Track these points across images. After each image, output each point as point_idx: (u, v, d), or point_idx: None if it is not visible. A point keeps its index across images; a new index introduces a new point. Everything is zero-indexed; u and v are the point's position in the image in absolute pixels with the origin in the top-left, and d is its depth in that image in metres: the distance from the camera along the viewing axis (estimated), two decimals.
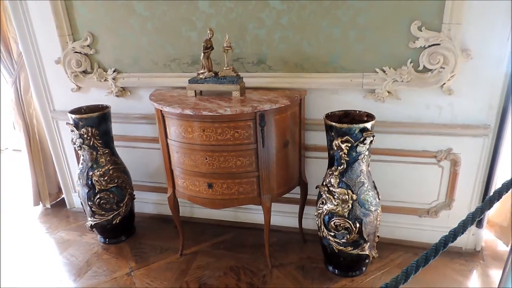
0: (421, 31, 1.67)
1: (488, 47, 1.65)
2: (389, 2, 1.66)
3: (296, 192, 2.01)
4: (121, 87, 2.17)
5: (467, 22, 1.63)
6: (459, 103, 1.77)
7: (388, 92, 1.80)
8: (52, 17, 2.09)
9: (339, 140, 1.57)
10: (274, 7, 1.79)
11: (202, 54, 1.76)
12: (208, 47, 1.75)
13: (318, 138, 1.95)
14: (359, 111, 1.73)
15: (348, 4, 1.71)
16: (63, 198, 2.76)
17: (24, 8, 2.16)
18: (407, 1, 1.65)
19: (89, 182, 2.09)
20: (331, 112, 1.72)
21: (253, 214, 2.29)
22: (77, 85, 2.25)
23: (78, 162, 2.28)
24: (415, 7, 1.65)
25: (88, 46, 2.12)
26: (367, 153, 1.62)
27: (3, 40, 2.32)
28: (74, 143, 2.07)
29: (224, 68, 1.75)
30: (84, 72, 2.21)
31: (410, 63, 1.73)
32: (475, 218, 0.88)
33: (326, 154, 1.75)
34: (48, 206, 2.75)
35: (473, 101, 1.75)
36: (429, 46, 1.68)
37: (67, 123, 2.02)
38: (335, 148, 1.60)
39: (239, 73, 1.78)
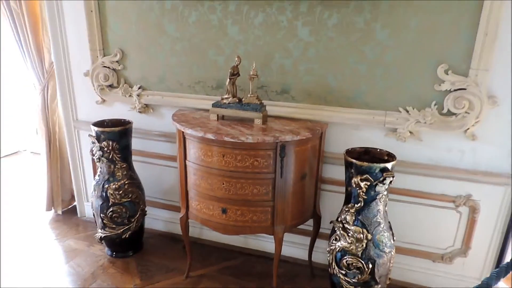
0: (447, 74, 1.67)
1: None
2: (417, 42, 1.67)
3: (308, 224, 1.99)
4: (145, 104, 2.21)
5: (495, 69, 1.62)
6: (482, 149, 1.74)
7: (410, 132, 1.79)
8: (86, 31, 2.16)
9: (359, 178, 1.55)
10: (302, 38, 1.82)
11: (228, 79, 1.78)
12: (235, 74, 1.78)
13: (336, 171, 1.94)
14: (380, 149, 1.72)
15: (376, 41, 1.72)
16: (75, 206, 2.78)
17: (61, 20, 2.24)
18: (435, 43, 1.65)
19: (104, 194, 2.10)
20: (352, 148, 1.72)
21: (264, 242, 2.26)
22: (102, 98, 2.30)
23: (94, 173, 2.31)
24: (443, 50, 1.66)
25: (117, 61, 2.18)
26: (385, 193, 1.60)
27: (37, 50, 2.40)
28: (93, 155, 2.10)
29: (249, 95, 1.77)
30: (111, 86, 2.26)
31: (435, 105, 1.72)
32: (500, 277, 0.86)
33: (342, 189, 1.74)
34: (60, 212, 2.77)
35: (496, 149, 1.72)
36: (455, 90, 1.68)
37: (90, 135, 2.06)
38: (354, 185, 1.58)
39: (262, 101, 1.80)
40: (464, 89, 1.66)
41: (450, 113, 1.72)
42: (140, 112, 2.23)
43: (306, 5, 1.76)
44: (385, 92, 1.78)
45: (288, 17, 1.80)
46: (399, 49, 1.71)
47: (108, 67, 2.21)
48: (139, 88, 2.18)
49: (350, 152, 1.69)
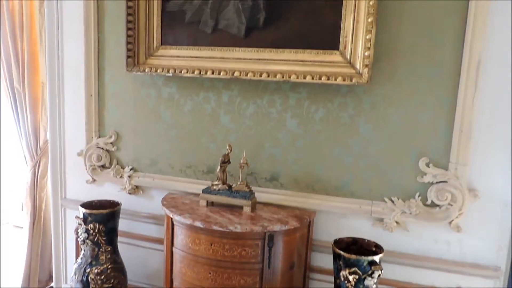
0: (428, 167, 1.75)
1: (495, 188, 1.70)
2: (398, 136, 1.78)
3: None
4: (135, 185, 2.23)
5: (474, 163, 1.71)
6: (468, 241, 1.76)
7: (397, 222, 1.81)
8: (84, 113, 2.25)
9: (347, 270, 1.54)
10: (291, 130, 1.92)
11: (219, 167, 1.84)
12: (226, 161, 1.84)
13: (325, 260, 1.91)
14: (367, 240, 1.73)
15: (360, 134, 1.83)
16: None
17: (61, 102, 2.33)
18: (415, 137, 1.76)
19: (85, 279, 2.02)
20: (339, 238, 1.72)
21: None
22: (93, 178, 2.32)
23: (77, 255, 2.24)
24: (423, 144, 1.76)
25: (111, 143, 2.24)
26: (374, 287, 1.57)
27: (33, 128, 2.47)
28: (78, 236, 2.05)
29: (238, 183, 1.81)
30: (102, 166, 2.29)
31: (419, 196, 1.78)
32: None
33: (331, 278, 1.71)
34: None
35: (482, 241, 1.75)
36: (437, 182, 1.75)
37: (76, 217, 2.04)
38: (342, 279, 1.57)
39: (251, 188, 1.84)
40: (446, 181, 1.73)
41: (434, 205, 1.77)
42: (130, 193, 2.24)
43: (294, 99, 1.89)
44: (370, 182, 1.84)
45: (277, 110, 1.92)
46: (382, 142, 1.80)
47: (102, 148, 2.26)
48: (130, 170, 2.22)
49: (338, 243, 1.70)
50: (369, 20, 1.62)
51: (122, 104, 2.19)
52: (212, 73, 1.86)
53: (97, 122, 2.26)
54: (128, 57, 1.99)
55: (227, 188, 1.83)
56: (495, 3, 1.57)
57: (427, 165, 1.75)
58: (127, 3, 1.93)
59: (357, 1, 1.66)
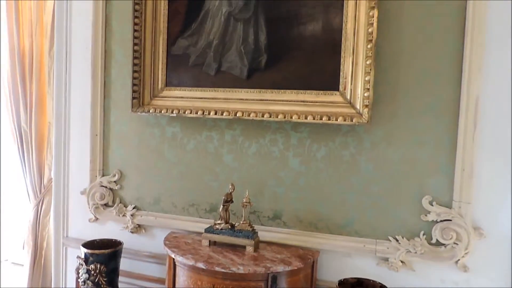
0: (432, 205, 1.74)
1: (501, 226, 1.69)
2: (400, 175, 1.78)
3: None
4: (137, 224, 2.22)
5: (477, 201, 1.70)
6: (475, 281, 1.72)
7: (402, 262, 1.79)
8: (89, 152, 2.28)
9: None
10: (293, 168, 1.93)
11: (222, 206, 1.84)
12: (228, 201, 1.84)
13: None
14: (373, 280, 1.69)
15: (361, 173, 1.84)
16: None
17: (66, 142, 2.37)
18: (417, 176, 1.77)
19: None
20: (344, 279, 1.69)
21: None
22: (95, 217, 2.31)
23: None
24: (425, 182, 1.76)
25: (114, 181, 2.26)
26: None
27: (38, 166, 2.50)
28: (79, 276, 2.03)
29: (241, 222, 1.81)
30: (105, 205, 2.29)
31: (423, 235, 1.76)
32: None
33: None
34: None
35: (490, 281, 1.71)
36: (441, 221, 1.73)
37: (78, 257, 2.02)
38: None
39: (254, 227, 1.83)
40: (450, 220, 1.72)
41: (439, 243, 1.74)
42: (132, 232, 2.23)
43: (296, 138, 1.91)
44: (374, 221, 1.83)
45: (280, 148, 1.94)
46: (384, 180, 1.81)
47: (105, 187, 2.27)
48: (133, 208, 2.22)
49: (343, 283, 1.67)
50: (368, 62, 1.68)
51: (126, 143, 2.23)
52: (215, 113, 1.91)
53: (101, 161, 2.29)
54: (133, 98, 2.04)
55: (229, 227, 1.82)
56: (490, 40, 1.63)
57: (431, 203, 1.75)
58: (133, 47, 2.01)
59: (355, 44, 1.72)
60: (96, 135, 2.26)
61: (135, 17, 1.99)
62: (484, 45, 1.63)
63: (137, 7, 1.99)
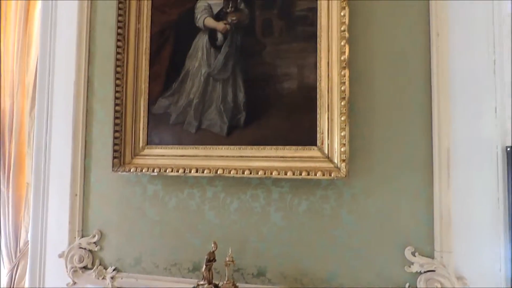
0: (415, 256, 1.75)
1: (483, 274, 1.70)
2: (381, 226, 1.80)
3: None
4: (118, 287, 2.14)
5: (458, 250, 1.72)
6: None
7: None
8: (68, 213, 2.23)
9: None
10: (275, 223, 1.93)
11: (204, 265, 1.80)
12: (211, 260, 1.80)
13: None
14: None
15: (343, 225, 1.85)
16: None
17: (45, 202, 2.32)
18: (398, 227, 1.79)
19: None
20: None
21: None
22: (73, 281, 2.22)
23: None
24: (407, 233, 1.78)
25: (94, 242, 2.19)
26: None
27: (14, 228, 2.42)
28: None
29: (225, 282, 1.77)
30: (84, 267, 2.21)
31: (409, 286, 1.75)
32: None
33: None
34: None
35: None
36: (425, 271, 1.74)
37: None
38: None
39: (238, 286, 1.79)
40: (434, 270, 1.72)
41: None
42: None
43: (277, 193, 1.93)
44: (358, 273, 1.82)
45: (261, 204, 1.95)
46: (365, 232, 1.82)
47: (85, 248, 2.20)
48: (113, 270, 2.14)
49: None
50: (342, 118, 1.75)
51: (106, 202, 2.20)
52: (196, 171, 1.92)
53: (80, 221, 2.24)
54: (114, 157, 2.05)
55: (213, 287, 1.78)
56: (455, 95, 1.73)
57: (413, 254, 1.76)
58: (115, 107, 2.04)
59: (330, 101, 1.80)
60: (76, 195, 2.23)
61: (117, 78, 2.04)
62: (449, 100, 1.73)
63: (118, 69, 2.05)
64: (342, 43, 1.75)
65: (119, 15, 2.05)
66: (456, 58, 1.74)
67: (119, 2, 2.05)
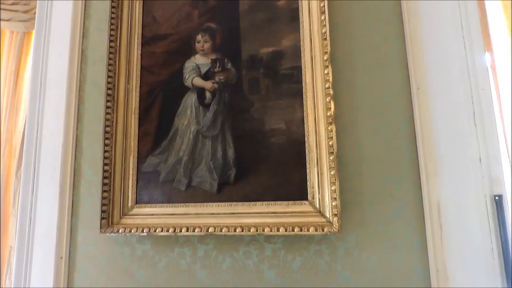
0: None
1: None
2: (377, 281, 1.76)
3: None
4: None
5: None
6: None
7: None
8: (52, 277, 2.13)
9: None
10: (269, 281, 1.87)
11: None
12: None
13: None
14: None
15: (339, 280, 1.80)
16: None
17: (28, 265, 2.22)
18: (394, 280, 1.75)
19: None
20: None
21: None
22: None
23: None
24: (403, 287, 1.74)
25: None
26: None
27: None
28: None
29: None
30: None
31: None
32: None
33: None
34: None
35: None
36: None
37: None
38: None
39: None
40: None
41: None
42: None
43: (270, 250, 1.89)
44: None
45: (254, 261, 1.90)
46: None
47: None
48: None
49: None
50: (332, 173, 1.76)
51: (94, 265, 2.12)
52: (187, 230, 1.88)
53: (66, 285, 2.14)
54: (102, 218, 2.00)
55: None
56: (439, 145, 1.77)
57: None
58: (103, 167, 2.02)
59: (318, 156, 1.82)
60: (61, 257, 2.15)
61: (106, 138, 2.04)
62: (434, 152, 1.77)
63: (108, 128, 2.06)
64: (327, 99, 1.80)
65: (109, 76, 2.08)
66: (437, 111, 1.80)
67: (109, 64, 2.09)
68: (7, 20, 2.56)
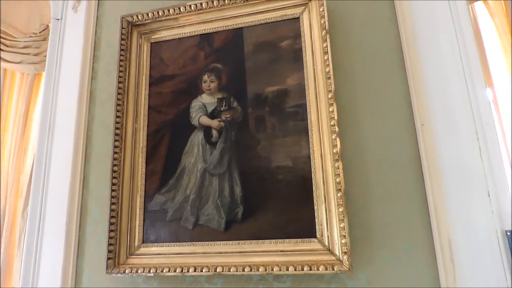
0: None
1: None
2: None
3: None
4: None
5: None
6: None
7: None
8: None
9: None
10: None
11: None
12: None
13: None
14: None
15: None
16: None
17: None
18: None
19: None
20: None
21: None
22: None
23: None
24: None
25: None
26: None
27: None
28: None
29: None
30: None
31: None
32: None
33: None
34: None
35: None
36: None
37: None
38: None
39: None
40: None
41: None
42: None
43: None
44: None
45: None
46: None
47: None
48: None
49: None
50: (340, 210, 1.75)
51: None
52: (195, 270, 1.85)
53: None
54: (108, 258, 1.97)
55: None
56: (447, 182, 1.76)
57: None
58: (110, 207, 2.02)
59: (326, 193, 1.82)
60: None
61: (114, 177, 2.06)
62: (442, 189, 1.76)
63: (115, 167, 2.07)
64: (333, 137, 1.82)
65: (117, 116, 2.12)
66: (443, 147, 1.82)
67: (117, 105, 2.13)
68: (18, 63, 2.64)
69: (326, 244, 1.78)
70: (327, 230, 1.79)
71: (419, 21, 1.99)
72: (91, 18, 2.53)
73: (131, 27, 2.29)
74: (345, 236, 1.73)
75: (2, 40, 2.70)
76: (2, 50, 2.71)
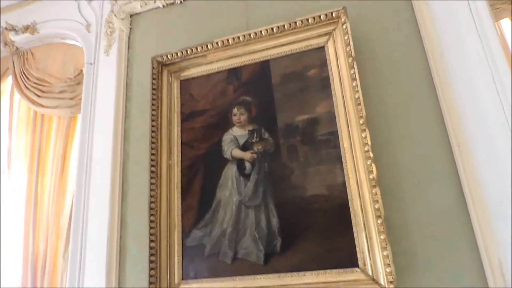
0: None
1: None
2: None
3: None
4: None
5: None
6: None
7: None
8: None
9: None
10: None
11: None
12: None
13: None
14: None
15: None
16: None
17: None
18: None
19: None
20: None
21: None
22: None
23: None
24: None
25: None
26: None
27: None
28: None
29: None
30: None
31: None
32: None
33: None
34: None
35: None
36: None
37: None
38: None
39: None
40: None
41: None
42: None
43: None
44: None
45: None
46: None
47: None
48: None
49: None
50: (382, 237, 1.71)
51: None
52: None
53: None
54: None
55: None
56: (491, 203, 1.70)
57: None
58: (149, 244, 2.04)
59: (365, 219, 1.78)
60: None
61: (151, 214, 2.09)
62: (487, 210, 1.70)
63: (152, 205, 2.11)
64: (368, 163, 1.80)
65: (152, 154, 2.18)
66: (482, 166, 1.76)
67: (152, 142, 2.19)
68: (55, 107, 2.77)
69: (370, 273, 1.73)
70: (370, 259, 1.74)
71: (444, 39, 1.98)
72: (122, 61, 2.65)
73: (161, 67, 2.38)
74: (389, 264, 1.68)
75: (39, 87, 2.85)
76: (39, 96, 2.85)
